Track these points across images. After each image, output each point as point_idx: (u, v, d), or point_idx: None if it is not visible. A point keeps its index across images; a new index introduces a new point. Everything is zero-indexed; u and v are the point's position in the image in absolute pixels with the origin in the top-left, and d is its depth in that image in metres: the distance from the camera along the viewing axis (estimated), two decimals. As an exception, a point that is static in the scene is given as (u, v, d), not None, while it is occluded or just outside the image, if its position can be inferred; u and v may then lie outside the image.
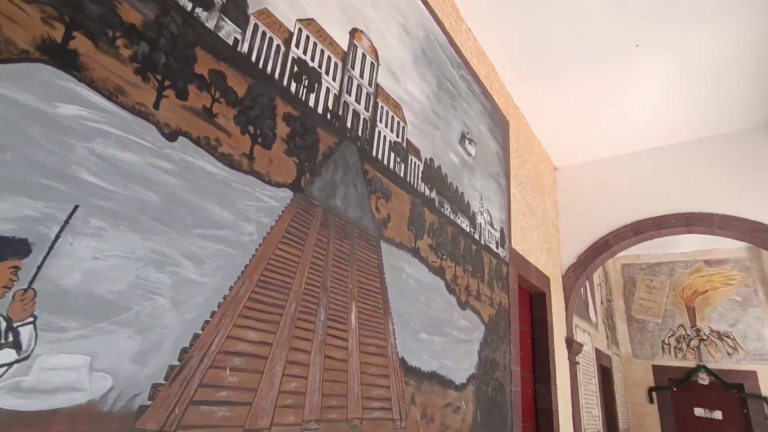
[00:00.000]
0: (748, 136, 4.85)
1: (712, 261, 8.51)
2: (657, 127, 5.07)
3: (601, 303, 7.96)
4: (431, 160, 2.83)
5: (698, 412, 8.01)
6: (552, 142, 5.56)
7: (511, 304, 3.70)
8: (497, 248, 3.64)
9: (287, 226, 1.69)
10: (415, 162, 2.64)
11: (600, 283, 8.14)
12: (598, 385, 6.44)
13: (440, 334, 2.58)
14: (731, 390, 7.66)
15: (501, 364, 3.33)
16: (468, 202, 3.26)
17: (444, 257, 2.77)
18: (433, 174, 2.82)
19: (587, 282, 6.89)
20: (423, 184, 2.69)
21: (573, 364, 5.15)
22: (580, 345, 5.39)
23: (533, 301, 4.71)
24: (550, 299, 4.81)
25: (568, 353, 5.10)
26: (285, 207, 1.69)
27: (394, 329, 2.18)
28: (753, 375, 7.57)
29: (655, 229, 5.07)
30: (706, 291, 8.40)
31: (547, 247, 5.10)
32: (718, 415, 7.84)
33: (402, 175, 2.50)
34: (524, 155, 4.87)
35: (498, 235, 3.71)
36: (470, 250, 3.15)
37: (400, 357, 2.18)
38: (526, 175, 4.79)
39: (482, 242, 3.37)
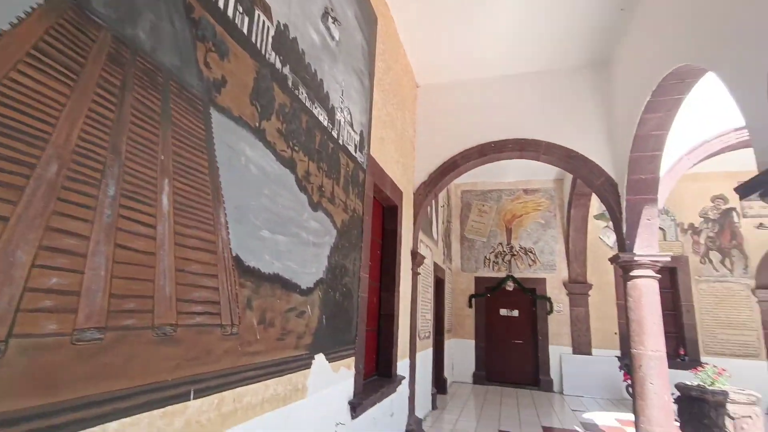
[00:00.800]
0: (574, 73, 5.45)
1: (529, 190, 10.01)
2: (508, 56, 5.32)
3: (443, 223, 8.72)
4: (285, 26, 2.29)
5: (503, 312, 9.79)
6: (416, 57, 5.40)
7: (365, 212, 3.57)
8: (356, 152, 3.38)
9: (37, 40, 1.05)
10: (263, 21, 2.08)
11: (443, 205, 8.86)
12: (432, 294, 7.19)
13: (287, 233, 2.26)
14: (527, 293, 9.49)
15: (351, 270, 3.23)
16: (327, 92, 2.85)
17: (296, 148, 2.37)
18: (287, 45, 2.30)
19: (434, 201, 7.36)
20: (273, 53, 2.17)
21: (415, 275, 5.51)
22: (423, 257, 5.78)
23: (386, 214, 4.74)
24: (402, 213, 4.91)
25: (412, 264, 5.42)
26: (29, 10, 1.04)
27: (227, 222, 1.76)
28: (543, 281, 9.47)
29: (496, 152, 5.50)
30: (522, 215, 9.94)
31: (403, 162, 5.11)
32: (515, 313, 9.71)
33: (245, 31, 1.93)
34: (390, 62, 4.59)
35: (357, 138, 3.44)
36: (326, 147, 2.80)
37: (234, 255, 1.80)
38: (390, 84, 4.55)
39: (340, 142, 3.06)
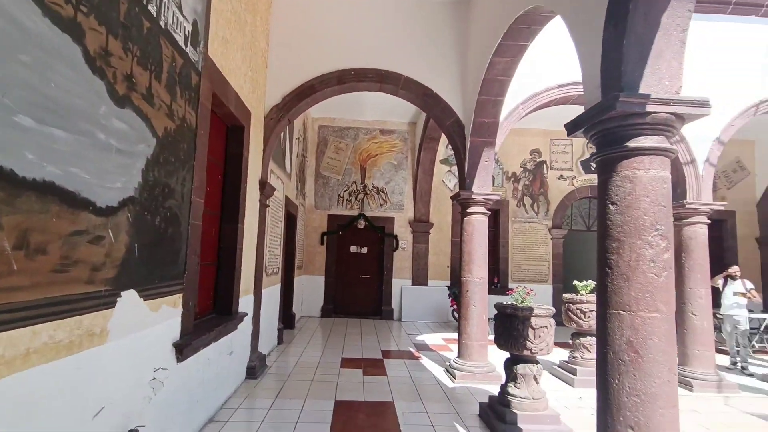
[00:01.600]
0: (437, 8, 5.41)
1: (385, 131, 10.16)
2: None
3: (297, 156, 8.26)
4: None
5: (353, 249, 10.09)
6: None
7: (199, 125, 2.96)
8: (186, 45, 2.69)
9: None
10: None
11: (299, 138, 8.35)
12: (283, 229, 6.85)
13: (71, 129, 1.62)
14: (377, 231, 9.93)
15: (178, 192, 2.67)
16: (140, -52, 2.10)
17: (83, 8, 1.67)
18: None
19: (288, 129, 6.82)
20: None
21: (264, 207, 5.07)
22: (273, 189, 5.34)
23: (230, 135, 4.11)
24: (249, 136, 4.33)
25: (261, 195, 4.95)
26: None
27: (-64, 87, 1.10)
28: (392, 220, 10.00)
29: (356, 80, 5.22)
30: (377, 155, 10.10)
31: (252, 78, 4.44)
32: (365, 250, 10.12)
33: None
34: (237, -54, 3.76)
35: (189, 27, 2.73)
36: (138, 23, 2.11)
37: (-44, 142, 1.16)
38: (236, -26, 3.76)
39: (162, 23, 2.35)
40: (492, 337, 3.93)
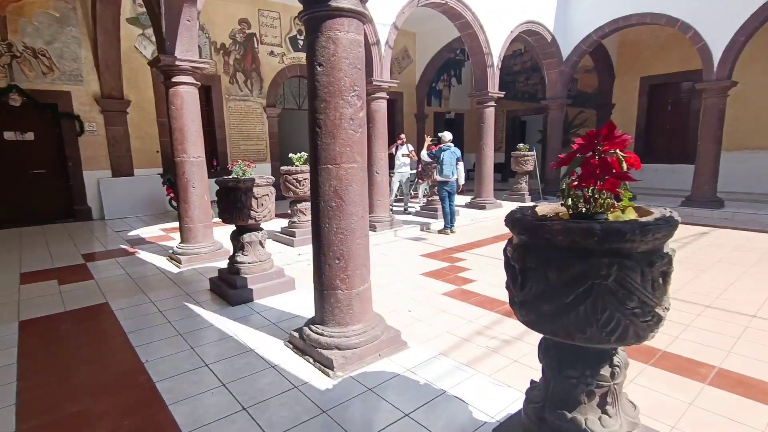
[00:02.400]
0: None
1: (28, -37, 7.07)
2: None
3: None
4: None
5: (8, 135, 7.37)
6: None
7: None
8: None
9: None
10: None
11: None
12: None
13: None
14: (47, 111, 7.47)
15: None
16: None
17: None
18: None
19: None
20: None
21: None
22: None
23: None
24: None
25: None
26: None
27: None
28: (68, 95, 7.67)
29: None
30: (21, -1, 7.08)
31: None
32: (30, 136, 7.58)
33: None
34: None
35: None
36: None
37: None
38: None
39: None
40: (217, 218, 3.89)
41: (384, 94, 6.44)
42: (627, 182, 1.33)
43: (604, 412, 1.43)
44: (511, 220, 1.45)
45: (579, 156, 1.34)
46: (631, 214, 1.35)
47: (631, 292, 1.23)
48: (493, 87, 8.41)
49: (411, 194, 9.31)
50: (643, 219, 1.27)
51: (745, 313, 3.48)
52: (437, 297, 3.97)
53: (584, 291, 1.25)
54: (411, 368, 2.51)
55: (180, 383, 2.42)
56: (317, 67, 2.30)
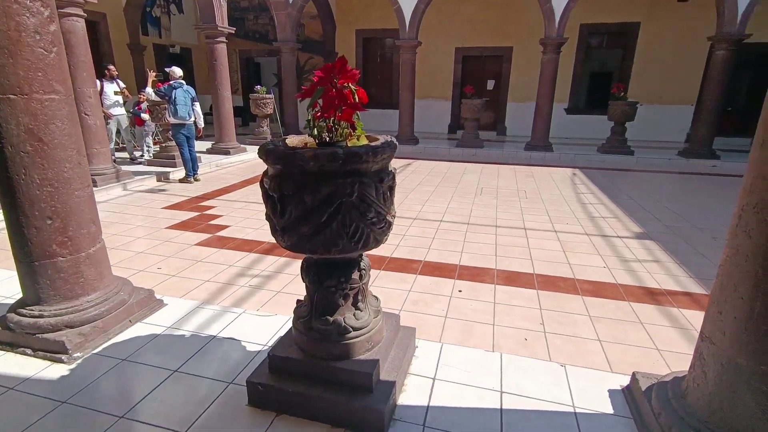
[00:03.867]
0: None
1: None
2: None
3: None
4: None
5: None
6: None
7: None
8: None
9: None
10: None
11: None
12: None
13: None
14: None
15: None
16: None
17: None
18: None
19: None
20: None
21: None
22: None
23: None
24: None
25: None
26: None
27: None
28: None
29: None
30: None
31: None
32: None
33: None
34: None
35: None
36: None
37: None
38: None
39: None
40: None
41: (79, 11, 5.01)
42: (359, 113, 1.56)
43: (357, 308, 1.75)
44: (264, 151, 1.49)
45: (320, 87, 1.46)
46: (364, 141, 1.61)
47: (369, 205, 1.50)
48: (222, 21, 7.77)
49: (135, 141, 7.89)
50: (373, 143, 1.53)
51: (435, 220, 4.73)
52: (191, 249, 3.70)
53: (335, 209, 1.44)
54: (172, 325, 2.32)
55: None
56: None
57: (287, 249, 1.57)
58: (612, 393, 1.84)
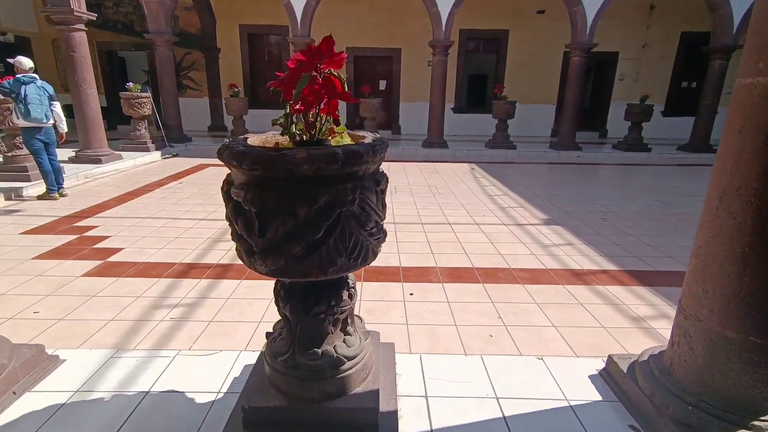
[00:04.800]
0: None
1: None
2: None
3: None
4: None
5: None
6: None
7: None
8: None
9: None
10: None
11: None
12: None
13: None
14: None
15: None
16: None
17: None
18: None
19: None
20: None
21: None
22: None
23: None
24: None
25: None
26: None
27: None
28: None
29: None
30: None
31: None
32: None
33: None
34: None
35: None
36: None
37: None
38: None
39: None
40: None
41: None
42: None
43: (347, 333, 1.50)
44: (234, 154, 1.16)
45: (305, 74, 1.19)
46: (347, 139, 1.37)
47: (369, 214, 1.28)
48: (79, 4, 6.50)
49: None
50: (368, 141, 1.31)
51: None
52: (77, 281, 2.94)
53: (333, 221, 1.19)
54: (80, 388, 1.77)
55: None
56: None
57: (269, 275, 1.26)
58: (592, 378, 1.89)
